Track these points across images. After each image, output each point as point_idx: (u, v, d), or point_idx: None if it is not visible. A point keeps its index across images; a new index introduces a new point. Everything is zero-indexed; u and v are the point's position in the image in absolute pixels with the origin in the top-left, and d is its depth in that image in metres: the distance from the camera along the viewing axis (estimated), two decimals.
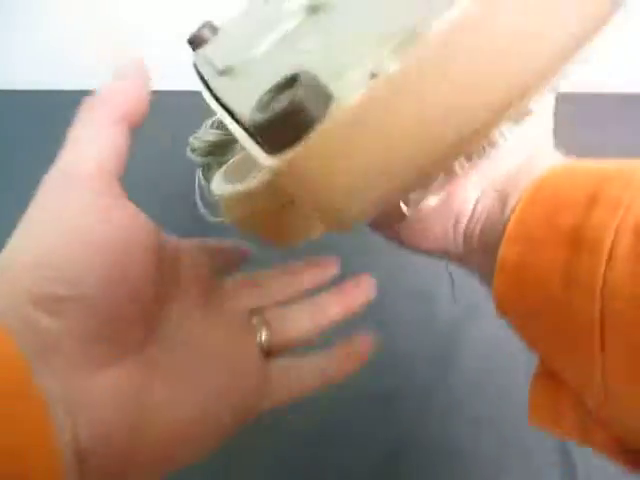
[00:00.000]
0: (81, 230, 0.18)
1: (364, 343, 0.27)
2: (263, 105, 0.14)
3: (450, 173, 0.21)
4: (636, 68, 0.54)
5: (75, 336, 0.18)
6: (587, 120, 0.48)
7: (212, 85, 0.20)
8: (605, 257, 0.16)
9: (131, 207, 0.20)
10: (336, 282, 0.28)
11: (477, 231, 0.21)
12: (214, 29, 0.25)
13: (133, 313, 0.19)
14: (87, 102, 0.21)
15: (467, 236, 0.22)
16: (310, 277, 0.28)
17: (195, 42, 0.25)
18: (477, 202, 0.22)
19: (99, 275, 0.18)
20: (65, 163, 0.20)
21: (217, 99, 0.19)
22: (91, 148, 0.20)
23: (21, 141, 0.56)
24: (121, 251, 0.19)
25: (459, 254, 0.22)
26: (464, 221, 0.22)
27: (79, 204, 0.19)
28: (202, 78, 0.21)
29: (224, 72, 0.20)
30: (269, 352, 0.25)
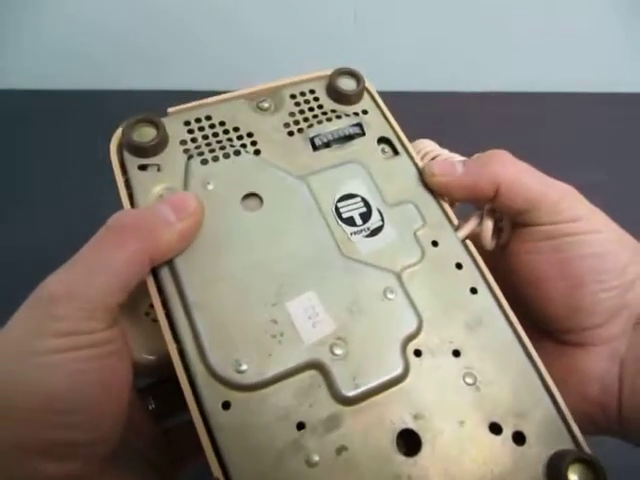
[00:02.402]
0: (85, 373, 0.18)
1: None
2: None
3: None
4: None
5: (78, 478, 0.18)
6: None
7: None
8: None
9: (117, 341, 0.20)
10: None
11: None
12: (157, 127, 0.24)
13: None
14: (122, 223, 0.20)
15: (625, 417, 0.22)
16: None
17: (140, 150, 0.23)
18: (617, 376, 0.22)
19: (104, 421, 0.19)
20: (64, 287, 0.19)
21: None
22: (100, 281, 0.19)
23: (21, 141, 0.54)
24: (117, 393, 0.19)
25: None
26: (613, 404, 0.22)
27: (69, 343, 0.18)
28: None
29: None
30: None
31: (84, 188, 0.51)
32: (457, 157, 0.27)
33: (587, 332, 0.23)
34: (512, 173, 0.23)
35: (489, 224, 0.25)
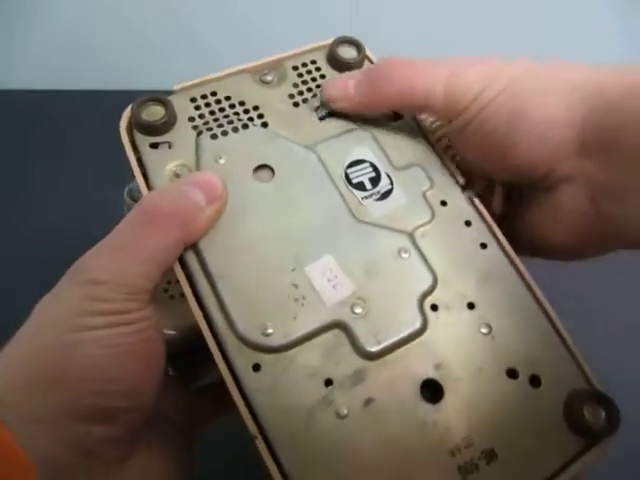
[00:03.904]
0: (126, 347, 0.19)
1: None
2: None
3: None
4: None
5: (117, 441, 0.20)
6: None
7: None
8: None
9: (153, 317, 0.21)
10: None
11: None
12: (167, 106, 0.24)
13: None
14: (160, 210, 0.21)
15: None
16: None
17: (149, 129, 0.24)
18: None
19: (144, 389, 0.20)
20: (105, 273, 0.20)
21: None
22: (138, 268, 0.20)
23: (22, 141, 0.55)
24: (155, 363, 0.21)
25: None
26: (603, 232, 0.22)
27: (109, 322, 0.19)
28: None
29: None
30: None
31: (85, 187, 0.52)
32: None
33: (546, 180, 0.23)
34: (397, 87, 0.23)
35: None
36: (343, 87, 0.24)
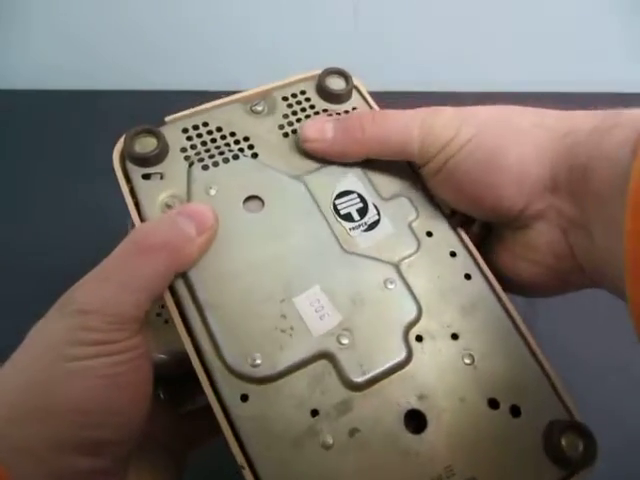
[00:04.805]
0: (114, 377, 0.20)
1: None
2: None
3: None
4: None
5: (104, 472, 0.20)
6: None
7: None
8: None
9: (142, 346, 0.21)
10: None
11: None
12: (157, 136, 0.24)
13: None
14: (150, 242, 0.21)
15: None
16: None
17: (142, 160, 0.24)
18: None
19: (131, 420, 0.20)
20: (95, 304, 0.20)
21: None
22: (129, 298, 0.20)
23: (21, 141, 0.55)
24: (142, 393, 0.21)
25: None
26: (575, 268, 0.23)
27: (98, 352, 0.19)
28: None
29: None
30: None
31: (84, 188, 0.52)
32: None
33: (519, 218, 0.24)
34: (372, 137, 0.24)
35: None
36: (320, 130, 0.25)
